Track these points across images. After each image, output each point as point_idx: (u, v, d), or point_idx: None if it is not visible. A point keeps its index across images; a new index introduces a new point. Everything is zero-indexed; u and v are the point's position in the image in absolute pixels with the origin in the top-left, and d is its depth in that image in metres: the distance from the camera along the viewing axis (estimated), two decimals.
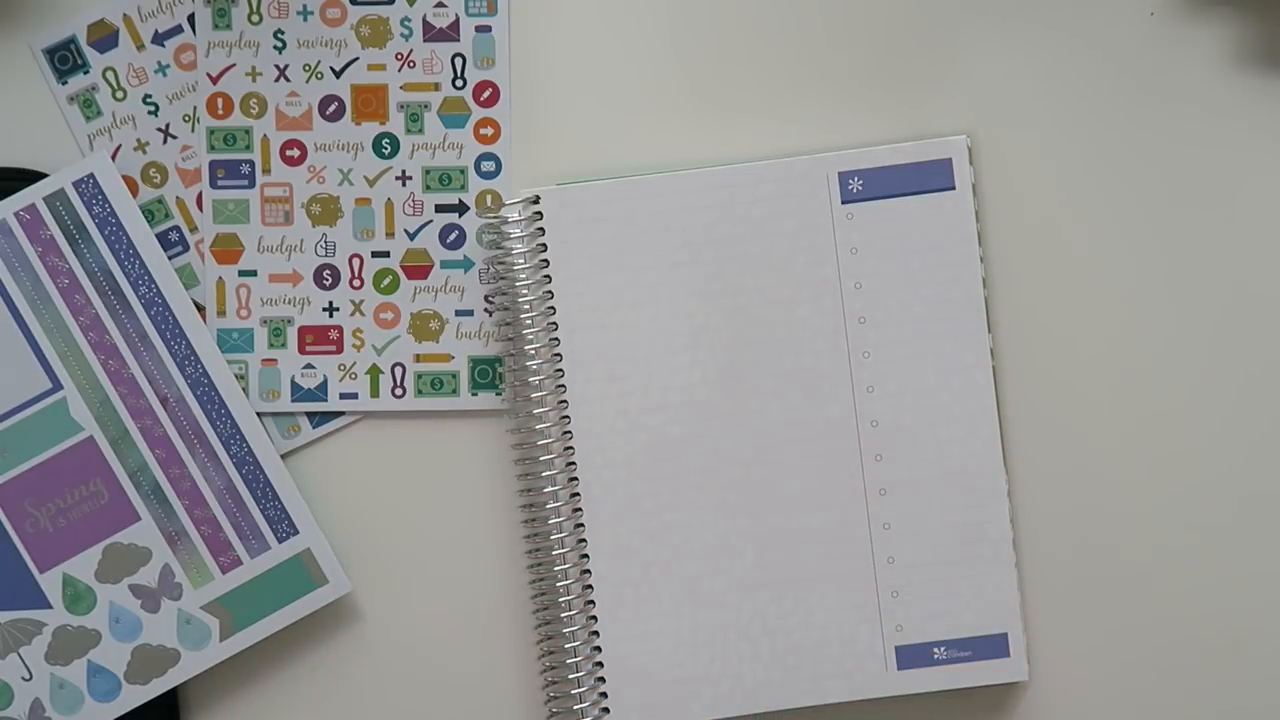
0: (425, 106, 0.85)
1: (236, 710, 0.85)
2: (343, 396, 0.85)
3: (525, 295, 0.83)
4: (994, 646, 0.82)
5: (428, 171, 0.85)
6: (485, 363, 0.85)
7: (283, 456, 0.84)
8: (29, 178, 0.84)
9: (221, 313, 0.85)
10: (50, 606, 0.83)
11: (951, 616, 0.82)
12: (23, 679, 0.83)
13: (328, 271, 0.85)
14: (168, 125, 0.85)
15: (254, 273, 0.85)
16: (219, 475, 0.84)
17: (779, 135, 0.84)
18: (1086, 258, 0.84)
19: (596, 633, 0.82)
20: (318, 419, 0.85)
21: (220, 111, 0.85)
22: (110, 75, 0.85)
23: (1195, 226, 0.84)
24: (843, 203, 0.83)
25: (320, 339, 0.85)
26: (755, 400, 0.83)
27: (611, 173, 0.84)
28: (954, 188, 0.83)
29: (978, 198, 0.84)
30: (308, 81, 0.85)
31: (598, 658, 0.82)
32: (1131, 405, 0.84)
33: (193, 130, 0.85)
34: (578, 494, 0.82)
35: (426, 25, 0.85)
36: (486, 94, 0.85)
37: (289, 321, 0.85)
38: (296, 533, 0.84)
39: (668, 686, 0.82)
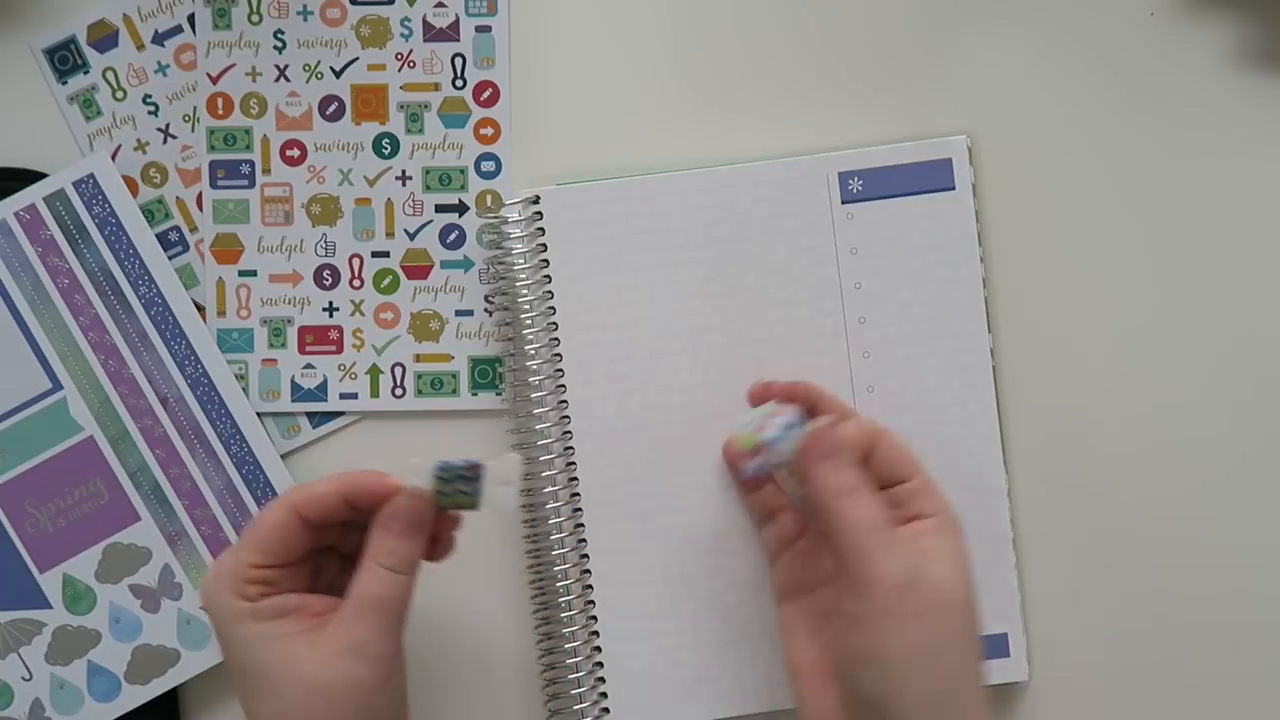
0: (425, 106, 0.85)
1: (236, 710, 0.85)
2: (343, 396, 0.85)
3: (525, 295, 0.83)
4: (994, 646, 0.82)
5: (428, 171, 0.85)
6: (485, 363, 0.85)
7: (283, 456, 0.84)
8: (29, 178, 0.84)
9: (221, 313, 0.85)
10: (50, 606, 0.83)
11: None
12: (23, 679, 0.83)
13: (328, 271, 0.85)
14: (168, 125, 0.85)
15: (254, 273, 0.85)
16: (219, 475, 0.84)
17: (779, 135, 0.84)
18: (1086, 258, 0.84)
19: (596, 633, 0.82)
20: (318, 419, 0.85)
21: (220, 111, 0.85)
22: (110, 75, 0.85)
23: (1195, 226, 0.84)
24: (843, 203, 0.83)
25: (320, 339, 0.85)
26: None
27: (611, 173, 0.84)
28: (954, 188, 0.83)
29: (978, 198, 0.84)
30: (308, 81, 0.85)
31: (598, 658, 0.82)
32: (1132, 405, 0.84)
33: (193, 130, 0.85)
34: (578, 494, 0.82)
35: (426, 25, 0.85)
36: (486, 94, 0.85)
37: (289, 321, 0.85)
38: None
39: (668, 686, 0.82)
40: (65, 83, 0.85)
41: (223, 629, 0.72)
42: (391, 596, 0.71)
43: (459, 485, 0.72)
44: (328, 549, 0.75)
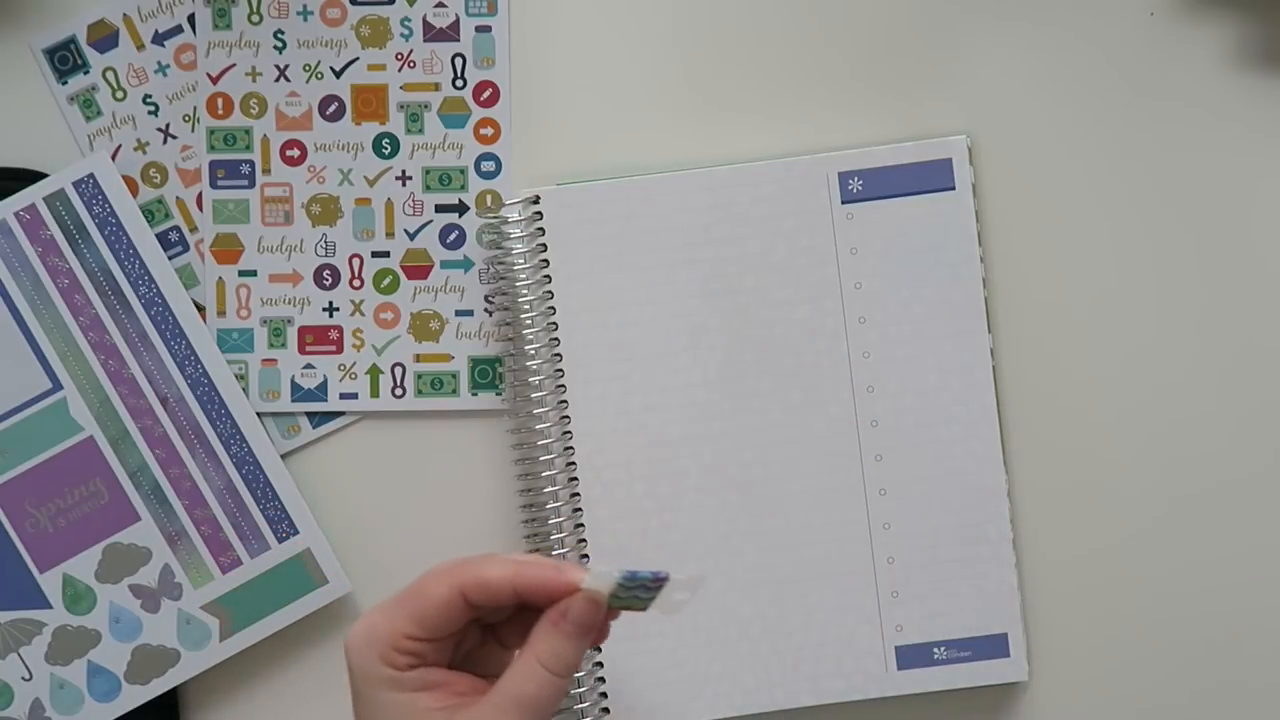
0: (425, 106, 0.85)
1: (236, 710, 0.85)
2: (343, 396, 0.85)
3: (525, 295, 0.83)
4: (994, 646, 0.82)
5: (428, 171, 0.85)
6: (485, 363, 0.85)
7: (283, 456, 0.84)
8: (29, 178, 0.84)
9: (221, 313, 0.85)
10: (50, 606, 0.83)
11: (951, 616, 0.82)
12: (23, 679, 0.83)
13: (328, 271, 0.85)
14: (168, 125, 0.85)
15: (254, 273, 0.85)
16: (219, 475, 0.84)
17: (779, 135, 0.84)
18: (1086, 257, 0.84)
19: None
20: (318, 419, 0.85)
21: (220, 111, 0.85)
22: (110, 75, 0.85)
23: (1195, 226, 0.84)
24: (843, 203, 0.83)
25: (320, 339, 0.85)
26: (755, 400, 0.83)
27: (611, 173, 0.84)
28: (954, 188, 0.83)
29: (978, 198, 0.84)
30: (308, 81, 0.85)
31: (598, 657, 0.82)
32: (1132, 405, 0.84)
33: (193, 130, 0.85)
34: (578, 494, 0.82)
35: (426, 25, 0.85)
36: (486, 94, 0.85)
37: (289, 321, 0.85)
38: (296, 533, 0.84)
39: (668, 686, 0.82)
40: (65, 83, 0.85)
41: (362, 688, 0.70)
42: (543, 698, 0.69)
43: (638, 593, 0.69)
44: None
